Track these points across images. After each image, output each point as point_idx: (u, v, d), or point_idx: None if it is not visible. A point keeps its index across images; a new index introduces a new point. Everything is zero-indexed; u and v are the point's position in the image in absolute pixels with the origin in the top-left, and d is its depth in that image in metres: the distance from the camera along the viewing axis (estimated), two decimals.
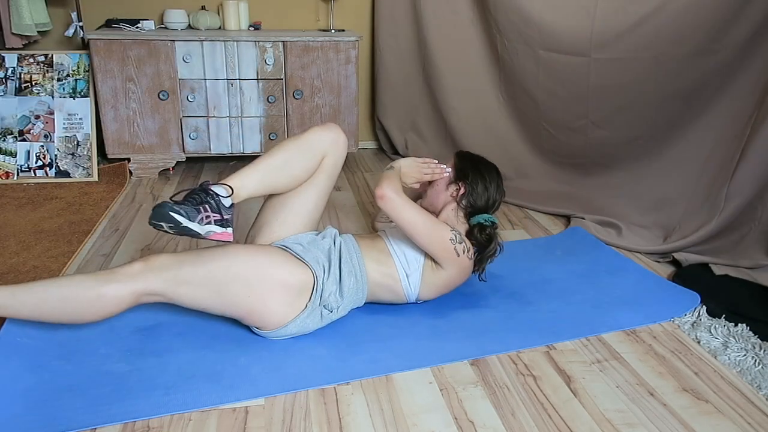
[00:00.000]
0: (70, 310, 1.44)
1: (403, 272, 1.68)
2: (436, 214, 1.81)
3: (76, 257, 2.08)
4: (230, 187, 1.51)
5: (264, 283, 1.52)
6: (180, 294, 1.47)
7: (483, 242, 1.75)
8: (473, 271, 1.78)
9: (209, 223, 1.44)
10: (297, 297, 1.56)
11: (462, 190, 1.80)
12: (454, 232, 1.66)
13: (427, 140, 3.24)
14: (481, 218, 1.77)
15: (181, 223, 1.38)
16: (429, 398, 1.43)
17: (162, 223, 1.38)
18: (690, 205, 2.18)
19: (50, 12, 2.89)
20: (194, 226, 1.40)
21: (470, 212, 1.79)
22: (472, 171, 1.82)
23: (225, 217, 1.47)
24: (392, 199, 1.61)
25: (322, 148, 1.68)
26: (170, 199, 1.44)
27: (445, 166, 1.85)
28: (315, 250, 1.63)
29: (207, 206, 1.45)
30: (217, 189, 1.49)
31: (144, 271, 1.45)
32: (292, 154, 1.64)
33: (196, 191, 1.47)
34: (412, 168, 1.83)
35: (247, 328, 1.64)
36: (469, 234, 1.76)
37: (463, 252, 1.67)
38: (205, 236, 1.44)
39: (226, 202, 1.49)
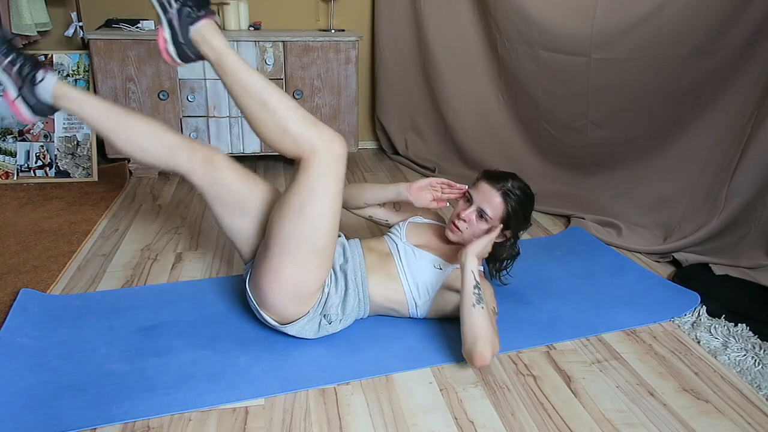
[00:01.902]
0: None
1: (412, 301, 1.65)
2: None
3: (76, 257, 2.08)
4: (57, 84, 1.56)
5: (318, 258, 1.47)
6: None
7: (511, 258, 1.77)
8: (492, 277, 1.79)
9: (6, 74, 1.53)
10: (308, 296, 1.51)
11: (505, 238, 1.70)
12: (496, 307, 1.60)
13: (427, 140, 3.24)
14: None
15: None
16: (429, 398, 1.43)
17: None
18: (690, 205, 2.18)
19: (50, 12, 2.89)
20: None
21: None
22: (522, 222, 1.69)
23: (28, 96, 1.55)
24: (492, 358, 1.45)
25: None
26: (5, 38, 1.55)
27: (496, 222, 1.65)
28: None
29: (16, 64, 1.53)
30: (46, 73, 1.56)
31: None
32: (153, 133, 1.60)
33: (26, 54, 1.57)
34: (485, 251, 1.68)
35: (248, 327, 1.64)
36: (496, 252, 1.75)
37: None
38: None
39: (44, 89, 1.56)
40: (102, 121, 1.58)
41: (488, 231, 1.64)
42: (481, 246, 1.58)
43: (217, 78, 2.85)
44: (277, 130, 1.43)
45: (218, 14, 3.04)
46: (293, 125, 1.42)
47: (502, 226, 1.65)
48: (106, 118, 1.58)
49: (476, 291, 1.48)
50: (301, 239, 1.44)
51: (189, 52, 1.48)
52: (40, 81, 1.56)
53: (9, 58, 1.54)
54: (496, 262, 1.78)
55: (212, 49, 1.45)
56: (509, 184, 1.65)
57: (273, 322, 1.56)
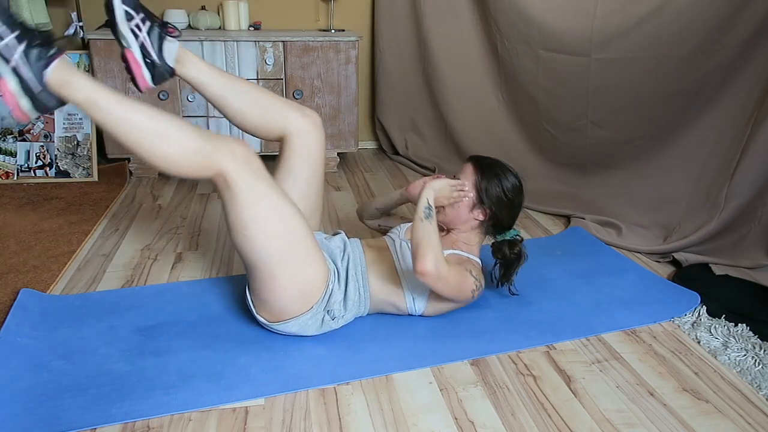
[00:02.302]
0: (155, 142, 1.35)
1: (409, 295, 1.66)
2: (450, 228, 1.74)
3: (76, 257, 2.08)
4: (176, 43, 1.51)
5: (302, 256, 1.47)
6: (240, 209, 1.40)
7: (512, 258, 1.72)
8: (500, 285, 1.78)
9: (136, 36, 1.43)
10: (309, 293, 1.52)
11: (486, 215, 1.70)
12: (476, 281, 1.61)
13: (427, 140, 3.24)
14: (508, 235, 1.74)
15: (114, 9, 1.39)
16: (429, 398, 1.43)
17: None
18: (690, 205, 2.18)
19: (50, 12, 2.88)
20: (123, 25, 1.41)
21: (494, 231, 1.75)
22: (497, 194, 1.68)
23: (154, 60, 1.46)
24: (436, 277, 1.48)
25: (284, 122, 1.61)
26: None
27: (467, 186, 1.69)
28: (327, 251, 1.62)
29: (147, 27, 1.44)
30: (169, 38, 1.48)
31: (235, 159, 1.38)
32: (260, 97, 1.60)
33: (154, 16, 1.48)
34: (444, 193, 1.66)
35: (248, 327, 1.64)
36: (497, 251, 1.74)
37: (478, 292, 1.64)
38: (125, 47, 1.43)
39: (168, 51, 1.48)
40: (218, 93, 1.59)
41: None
42: (440, 183, 1.65)
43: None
44: (180, 159, 1.35)
45: (219, 13, 3.04)
46: (194, 149, 1.35)
47: (473, 190, 1.68)
48: (223, 89, 1.60)
49: (426, 210, 1.56)
50: (269, 248, 1.43)
51: (48, 101, 1.27)
52: (170, 43, 1.48)
53: (141, 15, 1.44)
54: (500, 268, 1.77)
55: (80, 91, 1.27)
56: (487, 160, 1.72)
57: (276, 327, 1.57)
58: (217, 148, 1.37)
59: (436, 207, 1.63)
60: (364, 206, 2.04)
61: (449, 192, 1.67)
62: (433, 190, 1.63)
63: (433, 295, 1.65)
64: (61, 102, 1.28)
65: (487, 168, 1.70)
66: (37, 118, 2.81)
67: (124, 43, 1.44)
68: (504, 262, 1.75)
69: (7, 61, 1.20)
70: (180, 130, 1.35)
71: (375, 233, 2.12)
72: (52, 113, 1.27)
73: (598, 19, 2.28)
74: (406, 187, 1.83)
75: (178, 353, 1.54)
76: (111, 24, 1.41)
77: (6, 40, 1.19)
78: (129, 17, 1.40)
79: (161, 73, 1.49)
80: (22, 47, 1.20)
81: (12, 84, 1.21)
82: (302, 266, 1.49)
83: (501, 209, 1.70)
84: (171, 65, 1.51)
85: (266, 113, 1.64)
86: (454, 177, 1.74)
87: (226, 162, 1.37)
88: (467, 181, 1.70)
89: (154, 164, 1.36)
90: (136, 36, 1.43)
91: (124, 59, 1.47)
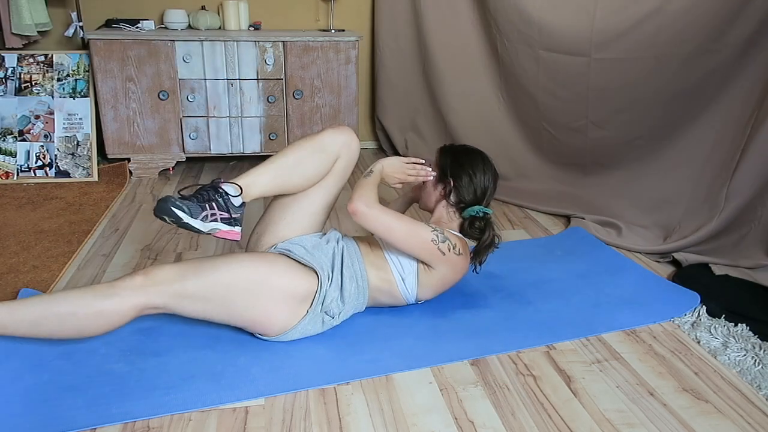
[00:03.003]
0: (70, 327, 1.40)
1: (398, 276, 1.67)
2: (428, 209, 1.85)
3: (76, 257, 2.08)
4: (240, 186, 1.52)
5: (267, 293, 1.51)
6: (183, 307, 1.46)
7: (475, 235, 1.74)
8: (471, 262, 1.77)
9: (215, 220, 1.44)
10: (299, 304, 1.56)
11: (447, 188, 1.77)
12: (435, 232, 1.63)
13: (427, 140, 3.24)
14: (472, 211, 1.74)
15: (182, 219, 1.39)
16: (429, 398, 1.43)
17: (165, 216, 1.39)
18: (690, 205, 2.18)
19: (50, 12, 2.89)
20: (196, 223, 1.41)
21: (462, 207, 1.76)
22: (453, 165, 1.77)
23: (234, 216, 1.48)
24: (364, 213, 1.58)
25: (335, 150, 1.67)
26: (179, 192, 1.46)
27: (429, 168, 1.80)
28: (319, 254, 1.62)
29: (214, 204, 1.45)
30: (226, 187, 1.49)
31: (145, 285, 1.41)
32: (306, 154, 1.63)
33: (205, 188, 1.48)
34: (395, 168, 1.76)
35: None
36: (463, 229, 1.75)
37: (449, 250, 1.63)
38: (208, 233, 1.45)
39: (236, 201, 1.50)
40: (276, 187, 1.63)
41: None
42: (392, 159, 1.77)
43: (217, 78, 2.84)
44: (99, 322, 1.41)
45: (219, 13, 3.04)
46: (104, 310, 1.40)
47: (437, 170, 1.79)
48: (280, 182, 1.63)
49: (368, 172, 1.71)
50: (239, 293, 1.49)
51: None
52: (234, 196, 1.52)
53: (206, 203, 1.47)
54: (476, 251, 1.77)
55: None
56: (454, 145, 1.87)
57: (280, 338, 1.58)
58: (124, 291, 1.40)
59: (395, 184, 1.79)
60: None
61: (400, 167, 1.77)
62: (382, 163, 1.76)
63: (421, 268, 1.66)
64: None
65: (448, 148, 1.86)
66: (37, 118, 2.81)
67: (210, 231, 1.48)
68: (474, 241, 1.77)
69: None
70: (77, 301, 1.40)
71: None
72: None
73: (598, 19, 2.28)
74: (411, 188, 1.94)
75: (178, 353, 1.54)
76: (184, 227, 1.44)
77: None
78: (194, 215, 1.43)
79: (241, 217, 1.54)
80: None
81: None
82: (278, 295, 1.53)
83: (461, 182, 1.76)
84: (243, 205, 1.55)
85: (317, 161, 1.66)
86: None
87: (142, 297, 1.41)
88: (436, 166, 1.81)
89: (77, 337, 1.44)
90: (214, 219, 1.47)
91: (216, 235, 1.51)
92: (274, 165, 1.60)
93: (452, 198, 1.77)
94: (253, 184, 1.55)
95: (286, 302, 1.53)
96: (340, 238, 1.72)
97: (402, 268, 1.67)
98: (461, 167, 1.77)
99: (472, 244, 1.76)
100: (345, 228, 2.36)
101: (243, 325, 1.56)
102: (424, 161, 1.81)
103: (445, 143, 1.91)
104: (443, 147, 1.87)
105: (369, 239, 1.77)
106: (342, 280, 1.61)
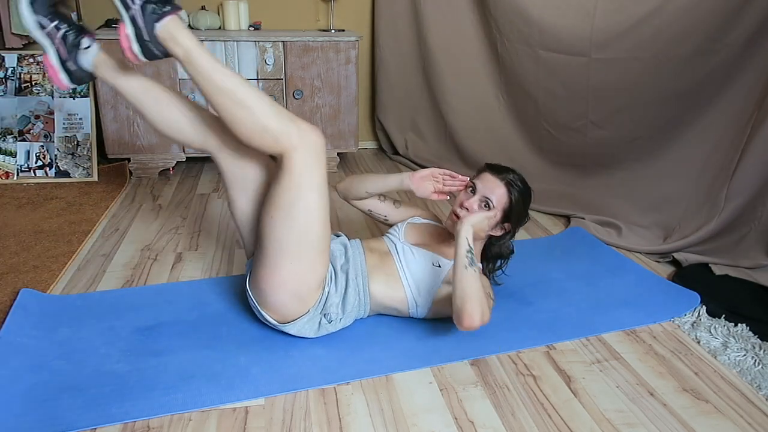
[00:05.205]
0: (240, 116, 1.41)
1: (412, 300, 1.65)
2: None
3: (76, 257, 2.08)
4: (95, 47, 1.53)
5: (310, 259, 1.48)
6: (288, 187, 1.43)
7: (506, 255, 1.78)
8: (490, 276, 1.81)
9: (51, 40, 1.49)
10: (311, 292, 1.52)
11: (504, 232, 1.71)
12: (490, 296, 1.62)
13: (427, 140, 3.24)
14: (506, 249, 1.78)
15: (23, 13, 1.44)
16: (429, 398, 1.43)
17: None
18: (690, 205, 2.18)
19: None
20: (35, 30, 1.47)
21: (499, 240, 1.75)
22: (524, 217, 1.73)
23: (68, 59, 1.51)
24: (480, 326, 1.47)
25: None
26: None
27: (498, 212, 1.65)
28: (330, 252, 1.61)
29: (58, 29, 1.48)
30: (84, 37, 1.51)
31: (300, 143, 1.41)
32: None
33: (68, 20, 1.51)
34: (482, 227, 1.63)
35: (248, 327, 1.64)
36: (491, 248, 1.75)
37: (488, 297, 1.61)
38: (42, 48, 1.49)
39: (85, 54, 1.51)
40: (137, 96, 1.57)
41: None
42: (478, 218, 1.61)
43: None
44: (256, 128, 1.41)
45: (219, 13, 3.04)
46: (274, 123, 1.41)
47: (501, 214, 1.66)
48: (141, 93, 1.57)
49: (469, 255, 1.51)
50: (294, 236, 1.45)
51: (155, 50, 1.42)
52: (86, 48, 1.51)
53: (54, 23, 1.48)
54: (490, 262, 1.79)
55: (180, 47, 1.40)
56: (511, 176, 1.69)
57: (273, 321, 1.56)
58: (293, 132, 1.41)
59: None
60: (351, 184, 1.85)
61: (486, 226, 1.64)
62: (472, 227, 1.58)
63: (438, 303, 1.64)
64: (167, 53, 1.43)
65: (521, 189, 1.68)
66: (37, 118, 2.81)
67: (42, 48, 1.51)
68: (495, 258, 1.79)
69: (127, 8, 1.38)
70: (262, 105, 1.41)
71: (374, 232, 2.11)
72: (160, 58, 1.45)
73: (598, 19, 2.28)
74: (410, 174, 1.77)
75: (178, 353, 1.54)
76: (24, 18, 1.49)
77: None
78: (41, 26, 1.47)
79: (79, 76, 1.55)
80: (141, 1, 1.38)
81: (128, 29, 1.40)
82: (306, 268, 1.49)
83: (519, 223, 1.74)
84: (89, 70, 1.56)
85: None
86: (469, 185, 1.69)
87: (297, 148, 1.41)
88: (492, 196, 1.65)
89: (230, 126, 1.44)
90: (52, 41, 1.50)
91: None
92: (148, 83, 1.58)
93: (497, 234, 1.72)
94: (110, 66, 1.55)
95: (313, 273, 1.50)
96: (348, 245, 1.70)
97: (418, 293, 1.64)
98: (527, 215, 1.74)
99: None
100: (345, 227, 2.36)
101: (268, 255, 1.48)
102: (492, 212, 1.65)
103: (514, 177, 1.68)
104: (516, 185, 1.67)
105: (379, 252, 1.71)
106: (347, 290, 1.60)
